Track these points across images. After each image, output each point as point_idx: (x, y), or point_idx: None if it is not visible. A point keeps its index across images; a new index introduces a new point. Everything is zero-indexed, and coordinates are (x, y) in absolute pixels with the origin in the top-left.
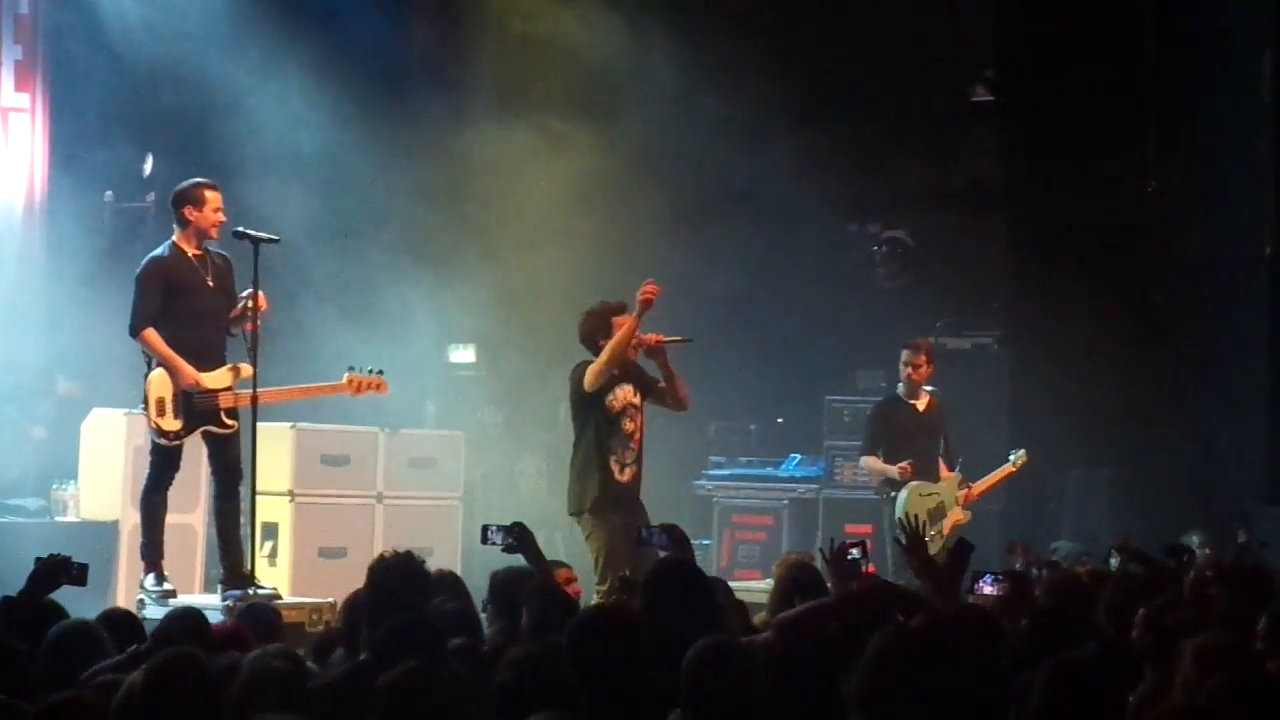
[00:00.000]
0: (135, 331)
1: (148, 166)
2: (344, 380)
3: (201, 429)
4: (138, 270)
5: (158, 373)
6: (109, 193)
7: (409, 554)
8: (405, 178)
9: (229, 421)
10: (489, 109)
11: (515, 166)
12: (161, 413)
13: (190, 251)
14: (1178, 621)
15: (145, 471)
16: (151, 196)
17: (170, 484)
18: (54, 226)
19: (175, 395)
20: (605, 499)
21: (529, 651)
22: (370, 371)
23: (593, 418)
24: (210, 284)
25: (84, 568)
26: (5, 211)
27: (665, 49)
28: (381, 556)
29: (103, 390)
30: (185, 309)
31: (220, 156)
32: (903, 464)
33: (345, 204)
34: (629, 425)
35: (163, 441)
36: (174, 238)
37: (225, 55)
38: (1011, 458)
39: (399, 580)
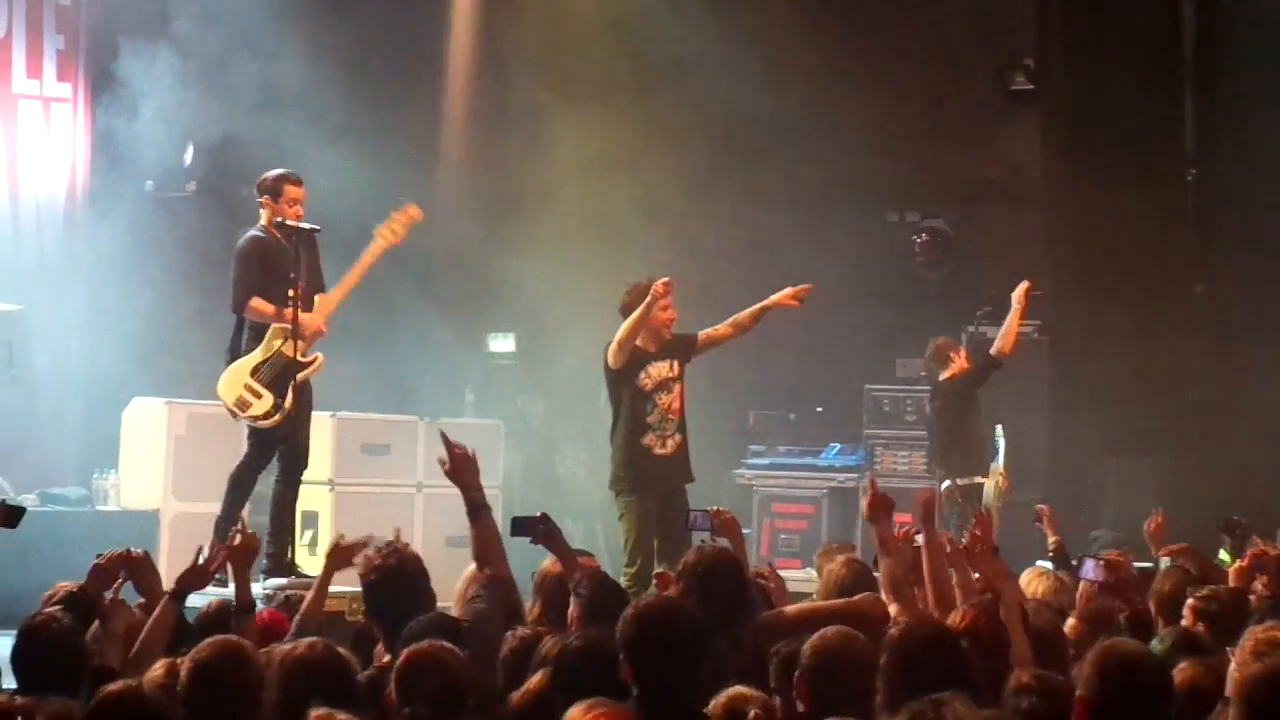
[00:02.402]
0: (240, 304)
1: (188, 156)
2: (377, 238)
3: None
4: (237, 247)
5: (223, 378)
6: (150, 182)
7: (391, 549)
8: (445, 168)
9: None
10: (529, 95)
11: (555, 154)
12: (246, 406)
13: (277, 234)
14: (1225, 611)
15: (188, 460)
16: (192, 186)
17: (264, 466)
18: (95, 216)
19: (249, 382)
20: (640, 478)
21: (575, 641)
22: (392, 212)
23: (626, 396)
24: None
25: None
26: (47, 201)
27: (706, 37)
28: (366, 557)
29: (144, 379)
30: (279, 289)
31: (260, 146)
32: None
33: (384, 193)
34: (665, 398)
35: (267, 424)
36: (262, 220)
37: (266, 43)
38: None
39: (388, 578)
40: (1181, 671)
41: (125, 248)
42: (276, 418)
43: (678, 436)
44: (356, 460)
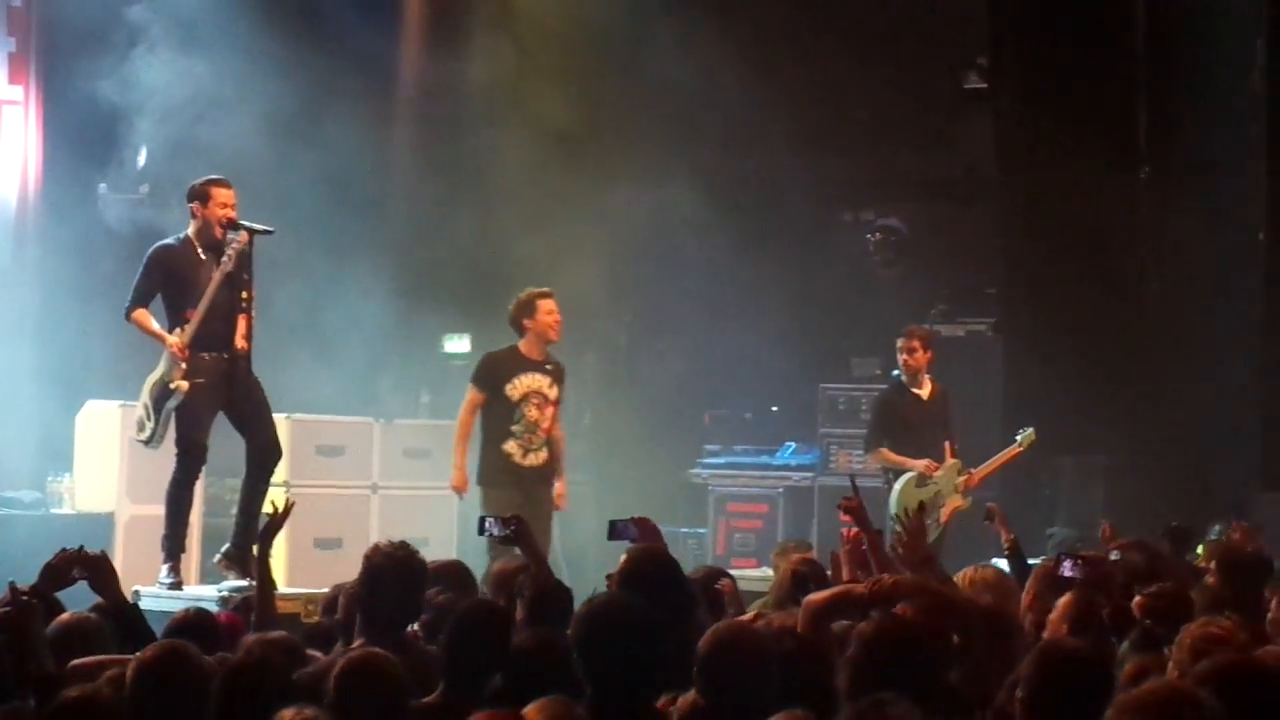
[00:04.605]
0: (126, 314)
1: (142, 158)
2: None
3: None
4: (146, 253)
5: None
6: (103, 185)
7: (403, 542)
8: (398, 169)
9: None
10: (480, 95)
11: (508, 155)
12: (140, 427)
13: (199, 245)
14: (1174, 608)
15: (142, 463)
16: (145, 189)
17: (193, 479)
18: (48, 218)
19: (147, 400)
20: (499, 475)
21: (524, 640)
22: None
23: (492, 403)
24: (215, 278)
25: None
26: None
27: (657, 34)
28: (376, 546)
29: (98, 382)
30: (191, 302)
31: (214, 149)
32: (927, 461)
33: (338, 193)
34: (533, 413)
35: (147, 447)
36: (188, 230)
37: (221, 46)
38: (1019, 437)
39: (394, 569)
40: (1133, 665)
41: (78, 250)
42: (152, 445)
43: (543, 453)
44: (311, 462)
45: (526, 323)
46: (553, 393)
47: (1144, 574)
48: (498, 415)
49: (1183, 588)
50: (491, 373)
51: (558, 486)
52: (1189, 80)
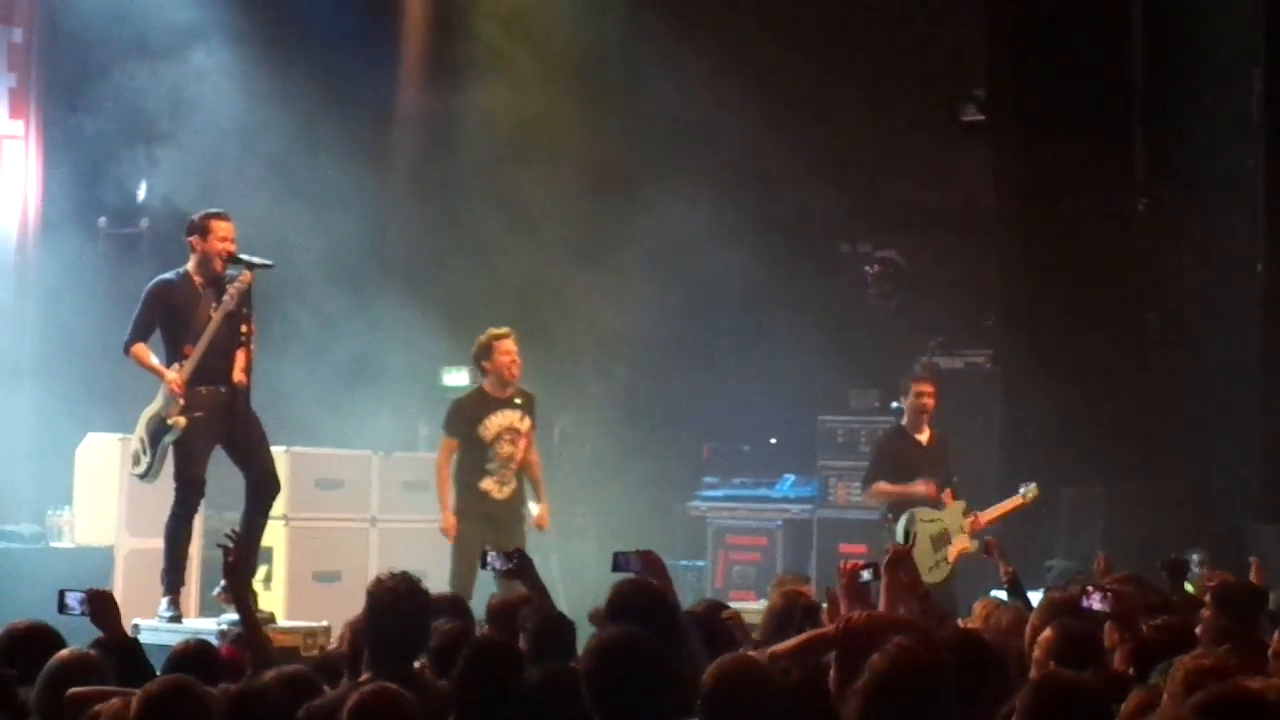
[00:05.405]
0: (126, 348)
1: (141, 192)
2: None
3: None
4: (145, 288)
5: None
6: (103, 219)
7: (406, 574)
8: (397, 202)
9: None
10: (479, 132)
11: (507, 190)
12: (136, 461)
13: (198, 280)
14: (1169, 639)
15: (142, 496)
16: (145, 222)
17: (192, 512)
18: (48, 252)
19: (142, 434)
20: (474, 509)
21: (531, 676)
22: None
23: (467, 442)
24: (213, 314)
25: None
26: (0, 237)
27: (654, 71)
28: (379, 579)
29: (97, 415)
30: (189, 336)
31: (214, 183)
32: (927, 486)
33: (337, 228)
34: (506, 449)
35: (144, 481)
36: (187, 265)
37: (218, 81)
38: (1022, 490)
39: (399, 602)
40: (1134, 698)
41: (78, 284)
42: (148, 479)
43: (514, 484)
44: (311, 495)
45: (485, 364)
46: (524, 425)
47: (1156, 606)
48: (473, 456)
49: (1186, 620)
50: (462, 419)
51: (540, 509)
52: (1187, 111)
